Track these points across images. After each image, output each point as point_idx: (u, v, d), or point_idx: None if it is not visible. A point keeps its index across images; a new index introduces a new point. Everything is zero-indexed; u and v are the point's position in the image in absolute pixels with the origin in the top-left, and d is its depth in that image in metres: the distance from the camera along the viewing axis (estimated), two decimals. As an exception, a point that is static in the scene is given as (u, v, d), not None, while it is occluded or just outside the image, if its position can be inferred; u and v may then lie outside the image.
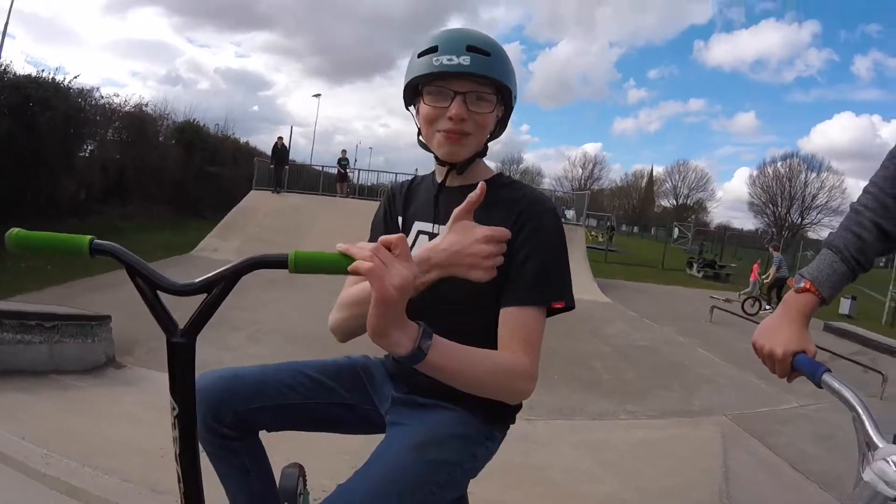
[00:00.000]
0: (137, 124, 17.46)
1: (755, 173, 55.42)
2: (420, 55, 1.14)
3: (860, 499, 0.76)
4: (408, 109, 1.26)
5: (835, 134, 79.78)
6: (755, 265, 14.89)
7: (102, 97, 15.95)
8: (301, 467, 1.52)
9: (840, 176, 49.41)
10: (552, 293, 1.10)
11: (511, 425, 1.27)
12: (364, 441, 1.21)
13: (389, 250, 0.82)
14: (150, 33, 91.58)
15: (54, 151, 12.35)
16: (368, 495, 0.96)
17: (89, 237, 0.84)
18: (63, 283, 7.63)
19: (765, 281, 12.44)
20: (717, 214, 64.34)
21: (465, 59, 1.09)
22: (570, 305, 1.12)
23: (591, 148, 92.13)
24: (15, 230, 0.85)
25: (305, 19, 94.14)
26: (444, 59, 1.10)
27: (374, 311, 0.81)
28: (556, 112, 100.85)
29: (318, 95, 47.78)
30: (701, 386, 5.91)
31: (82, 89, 14.49)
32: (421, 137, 1.22)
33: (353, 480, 1.01)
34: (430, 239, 1.20)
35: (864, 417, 0.82)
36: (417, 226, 1.27)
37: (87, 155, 15.46)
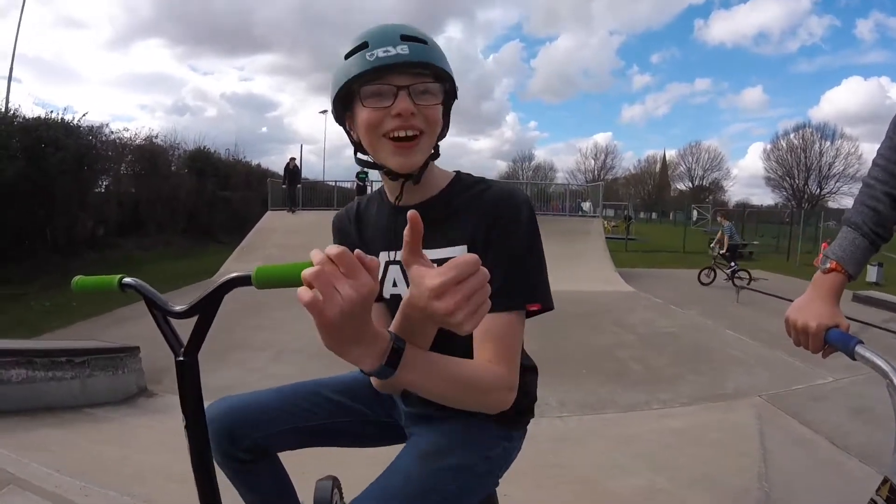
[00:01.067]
0: (149, 156, 17.81)
1: (769, 147, 55.01)
2: (348, 55, 1.00)
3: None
4: (341, 125, 1.12)
5: (845, 100, 78.79)
6: (825, 244, 14.36)
7: (112, 132, 16.29)
8: (335, 479, 1.51)
9: (854, 142, 48.69)
10: (523, 295, 1.01)
11: (531, 419, 1.24)
12: (394, 451, 1.21)
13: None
14: (153, 65, 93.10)
15: (68, 189, 12.63)
16: None
17: (119, 276, 1.08)
18: (88, 319, 7.74)
19: (720, 252, 12.33)
20: (735, 192, 64.00)
21: (403, 48, 0.98)
22: (547, 307, 1.04)
23: (602, 138, 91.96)
24: (76, 278, 1.11)
25: (303, 37, 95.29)
26: (380, 52, 0.97)
27: (320, 334, 0.73)
28: (563, 106, 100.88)
29: (324, 112, 47.64)
30: (732, 368, 5.82)
31: (92, 127, 14.81)
32: (359, 154, 1.10)
33: (364, 494, 1.02)
34: (402, 268, 1.10)
35: None
36: (383, 256, 1.15)
37: (102, 190, 15.77)
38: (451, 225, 1.08)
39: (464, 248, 1.06)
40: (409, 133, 1.00)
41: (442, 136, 1.10)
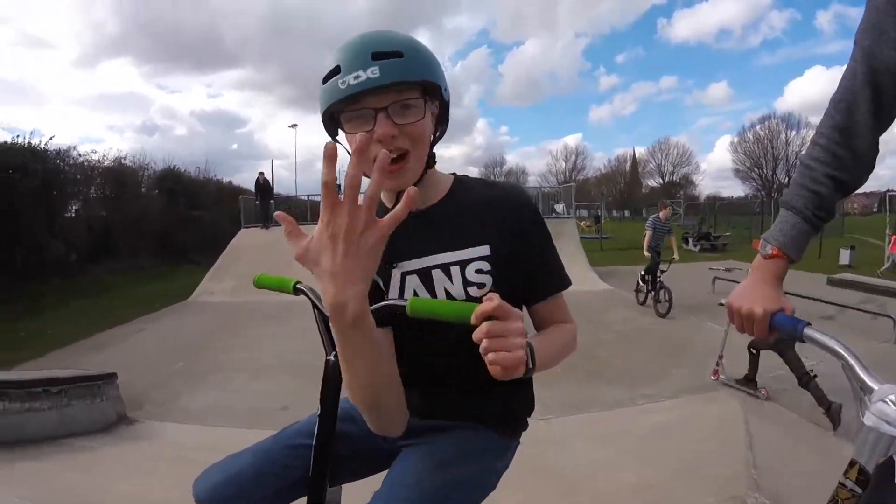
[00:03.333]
0: (118, 178, 17.57)
1: (736, 140, 55.60)
2: (325, 80, 0.99)
3: (865, 443, 0.75)
4: (336, 142, 1.06)
5: (808, 89, 79.45)
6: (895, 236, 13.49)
7: (80, 155, 16.08)
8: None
9: (820, 129, 49.53)
10: (560, 281, 1.18)
11: (524, 431, 1.27)
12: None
13: (497, 317, 0.81)
14: (121, 85, 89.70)
15: (37, 215, 12.40)
16: None
17: (294, 281, 1.28)
18: (63, 347, 7.57)
19: (674, 258, 9.01)
20: (705, 186, 64.58)
21: (373, 71, 0.94)
22: (569, 284, 1.21)
23: (572, 140, 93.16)
24: (258, 275, 1.37)
25: (270, 51, 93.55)
26: (351, 79, 0.95)
27: (501, 372, 0.81)
28: (532, 109, 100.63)
29: (294, 126, 47.47)
30: (712, 360, 5.85)
31: (59, 150, 14.61)
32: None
33: (379, 501, 0.98)
34: (421, 276, 1.11)
35: (853, 363, 0.82)
36: (399, 268, 1.14)
37: (72, 215, 15.49)
38: (464, 225, 1.11)
39: (486, 247, 1.10)
40: (394, 156, 0.98)
41: (438, 139, 1.12)
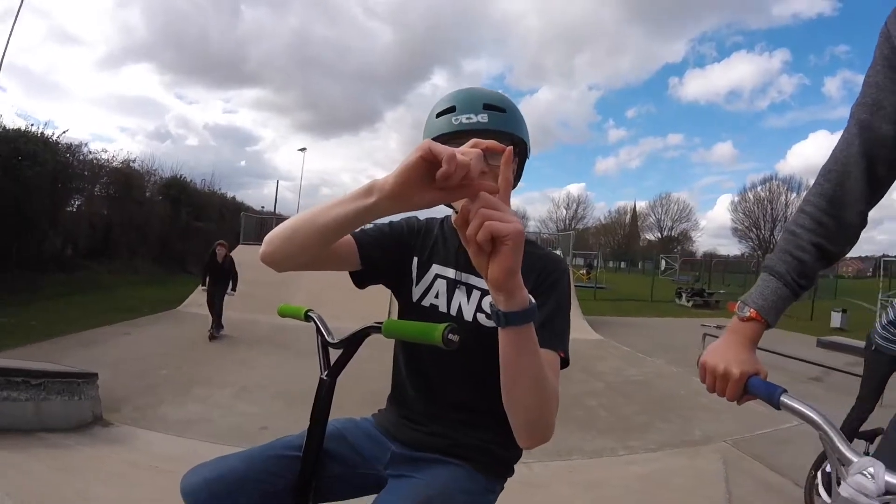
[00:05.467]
0: (124, 180, 17.57)
1: (736, 199, 55.92)
2: (438, 115, 1.18)
3: (841, 514, 0.75)
4: None
5: (811, 153, 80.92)
6: None
7: (91, 152, 16.19)
8: None
9: (820, 194, 49.94)
10: (559, 342, 1.09)
11: (509, 477, 1.29)
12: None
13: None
14: (140, 90, 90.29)
15: (41, 206, 12.43)
16: None
17: (306, 309, 1.37)
18: (49, 339, 7.50)
19: None
20: (703, 243, 64.97)
21: (483, 117, 1.15)
22: (566, 359, 1.11)
23: (575, 188, 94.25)
24: (281, 305, 1.44)
25: (293, 76, 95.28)
26: (464, 119, 1.15)
27: (511, 249, 0.76)
28: (540, 157, 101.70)
29: (303, 149, 47.81)
30: (699, 414, 5.84)
31: (70, 144, 14.74)
32: None
33: None
34: (448, 284, 1.25)
35: (831, 434, 0.80)
36: (436, 269, 1.28)
37: (74, 210, 15.50)
38: None
39: None
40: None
41: (513, 186, 1.20)
